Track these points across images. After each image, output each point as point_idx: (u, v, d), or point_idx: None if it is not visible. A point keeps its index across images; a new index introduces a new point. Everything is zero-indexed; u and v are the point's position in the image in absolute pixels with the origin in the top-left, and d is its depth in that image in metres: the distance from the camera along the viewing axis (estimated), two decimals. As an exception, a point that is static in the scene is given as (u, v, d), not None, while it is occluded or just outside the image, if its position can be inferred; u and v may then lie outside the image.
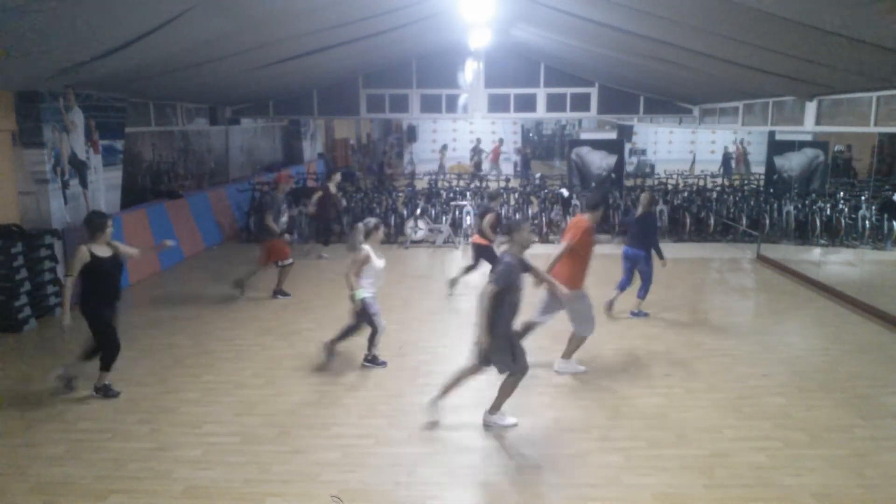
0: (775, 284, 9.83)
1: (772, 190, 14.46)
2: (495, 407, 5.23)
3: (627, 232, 8.02)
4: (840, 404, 5.63)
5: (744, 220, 13.16)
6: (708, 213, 13.34)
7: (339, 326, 6.43)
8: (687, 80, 10.47)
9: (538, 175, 16.75)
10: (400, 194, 14.44)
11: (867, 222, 12.30)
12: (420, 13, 8.68)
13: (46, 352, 6.98)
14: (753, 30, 6.09)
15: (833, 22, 5.19)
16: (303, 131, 21.23)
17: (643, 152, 27.32)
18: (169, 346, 6.99)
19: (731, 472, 4.55)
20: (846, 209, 12.71)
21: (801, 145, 15.00)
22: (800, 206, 13.29)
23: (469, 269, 8.92)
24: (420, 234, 12.66)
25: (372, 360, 6.44)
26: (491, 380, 5.63)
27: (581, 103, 13.78)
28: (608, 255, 9.34)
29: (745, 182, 15.69)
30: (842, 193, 13.35)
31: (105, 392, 5.71)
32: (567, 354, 6.34)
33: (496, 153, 24.22)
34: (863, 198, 12.78)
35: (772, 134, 15.61)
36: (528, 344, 5.47)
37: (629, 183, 16.63)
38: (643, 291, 7.95)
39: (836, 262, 11.54)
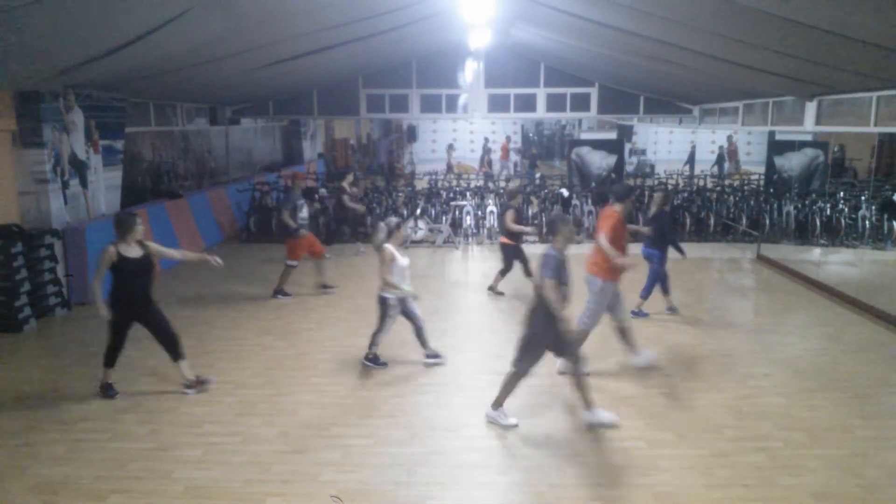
0: (775, 284, 9.83)
1: (772, 190, 14.47)
2: (497, 402, 5.24)
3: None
4: (840, 404, 5.63)
5: (744, 220, 13.17)
6: (708, 213, 13.35)
7: (339, 327, 6.42)
8: (687, 80, 10.46)
9: (538, 175, 16.74)
10: (400, 194, 14.43)
11: (867, 222, 12.31)
12: (420, 13, 8.67)
13: (46, 352, 6.99)
14: (753, 30, 6.08)
15: (833, 22, 5.18)
16: (303, 131, 21.20)
17: (643, 152, 27.30)
18: (169, 346, 6.98)
19: (731, 472, 4.55)
20: (846, 209, 12.71)
21: (802, 145, 15.00)
22: (800, 206, 13.29)
23: (503, 272, 8.91)
24: (420, 234, 12.67)
25: (373, 360, 6.43)
26: (491, 380, 5.64)
27: (581, 103, 13.76)
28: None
29: (745, 182, 15.68)
30: (842, 193, 13.35)
31: (105, 392, 5.72)
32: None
33: (505, 150, 24.20)
34: (863, 198, 12.78)
35: (772, 134, 15.62)
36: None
37: (629, 183, 16.62)
38: (646, 292, 7.93)
39: (836, 262, 11.54)
